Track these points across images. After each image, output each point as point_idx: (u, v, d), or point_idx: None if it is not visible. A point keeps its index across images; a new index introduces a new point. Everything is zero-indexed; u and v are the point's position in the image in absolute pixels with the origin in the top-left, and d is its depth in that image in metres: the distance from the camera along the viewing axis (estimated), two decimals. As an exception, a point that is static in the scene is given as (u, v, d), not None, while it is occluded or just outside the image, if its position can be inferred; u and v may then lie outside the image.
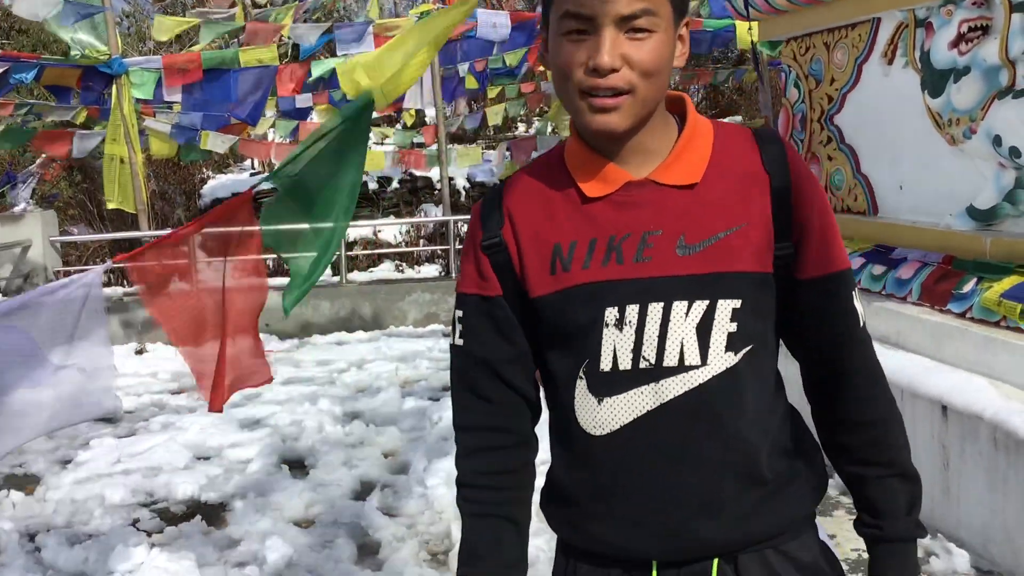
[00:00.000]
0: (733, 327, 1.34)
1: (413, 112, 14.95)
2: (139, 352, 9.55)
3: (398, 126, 16.51)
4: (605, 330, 1.36)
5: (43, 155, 13.56)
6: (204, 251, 3.28)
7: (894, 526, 1.45)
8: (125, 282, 11.66)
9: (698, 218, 1.35)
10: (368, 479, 5.40)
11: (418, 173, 14.22)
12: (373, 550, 4.47)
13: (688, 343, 1.34)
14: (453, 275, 10.98)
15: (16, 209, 11.37)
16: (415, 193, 14.41)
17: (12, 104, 11.32)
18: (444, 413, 6.44)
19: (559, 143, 1.50)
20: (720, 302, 1.34)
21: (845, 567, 2.73)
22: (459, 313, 1.49)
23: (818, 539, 1.46)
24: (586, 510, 1.42)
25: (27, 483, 5.68)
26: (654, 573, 1.39)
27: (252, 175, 15.15)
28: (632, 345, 1.35)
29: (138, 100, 10.74)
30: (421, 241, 13.03)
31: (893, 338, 4.55)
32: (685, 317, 1.34)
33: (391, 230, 13.03)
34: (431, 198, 14.25)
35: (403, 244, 12.98)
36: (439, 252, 12.27)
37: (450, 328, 1.54)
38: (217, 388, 3.28)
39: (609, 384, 1.37)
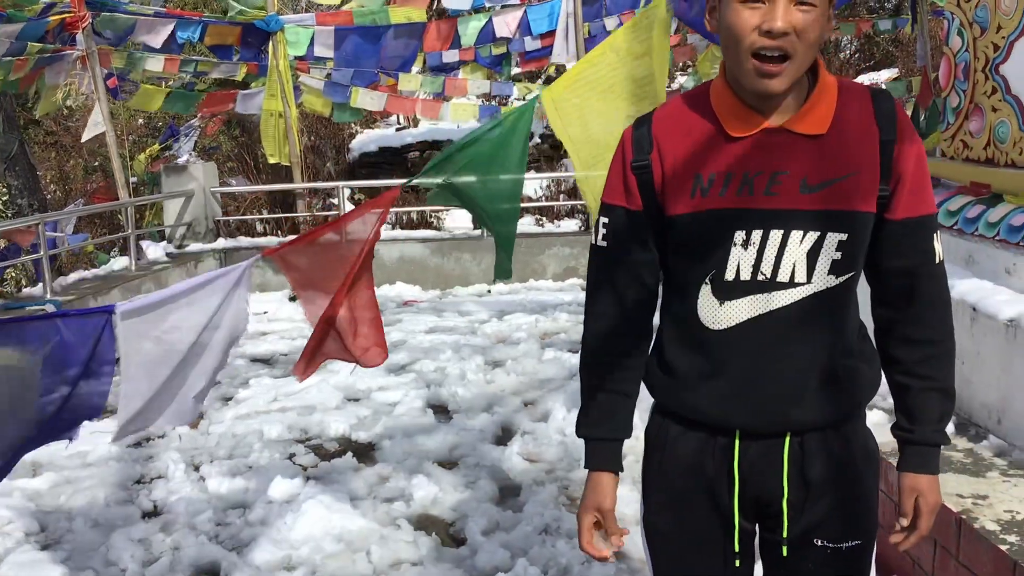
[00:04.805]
0: (838, 255, 1.64)
1: (554, 67, 14.87)
2: (292, 299, 9.98)
3: (540, 81, 16.49)
4: (733, 248, 1.65)
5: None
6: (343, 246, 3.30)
7: (924, 432, 1.74)
8: (279, 232, 12.20)
9: (820, 164, 1.62)
10: (509, 425, 5.55)
11: (560, 128, 14.20)
12: (514, 492, 4.61)
13: (799, 264, 1.64)
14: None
15: (180, 160, 12.03)
16: (556, 148, 14.41)
17: (178, 61, 11.92)
18: (583, 365, 6.50)
19: (703, 83, 1.74)
20: (829, 234, 1.63)
21: (997, 528, 2.66)
22: (604, 219, 1.78)
23: (864, 425, 1.79)
24: (689, 384, 1.74)
25: (193, 417, 6.07)
26: (737, 440, 1.72)
27: (397, 130, 15.48)
28: (753, 262, 1.65)
29: (293, 56, 11.12)
30: (561, 196, 13.06)
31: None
32: (800, 243, 1.63)
33: (532, 184, 13.12)
34: (572, 153, 14.21)
35: (543, 199, 13.05)
36: (579, 207, 12.27)
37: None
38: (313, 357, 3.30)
39: (730, 290, 1.67)
